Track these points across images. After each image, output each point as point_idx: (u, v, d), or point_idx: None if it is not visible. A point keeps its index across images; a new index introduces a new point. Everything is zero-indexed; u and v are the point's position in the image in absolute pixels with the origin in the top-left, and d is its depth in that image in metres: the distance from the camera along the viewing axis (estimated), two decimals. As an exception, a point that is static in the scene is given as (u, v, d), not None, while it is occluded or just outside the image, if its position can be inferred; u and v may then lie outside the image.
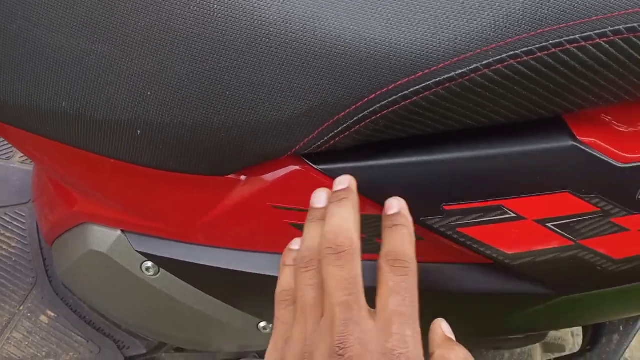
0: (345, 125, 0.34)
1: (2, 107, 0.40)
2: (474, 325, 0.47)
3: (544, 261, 0.37)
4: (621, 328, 0.67)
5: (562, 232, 0.36)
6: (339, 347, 0.28)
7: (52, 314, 0.70)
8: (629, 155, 0.35)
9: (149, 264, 0.50)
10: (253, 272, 0.46)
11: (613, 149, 0.35)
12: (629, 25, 0.31)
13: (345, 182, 0.35)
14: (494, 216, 0.36)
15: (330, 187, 0.37)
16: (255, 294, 0.50)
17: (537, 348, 0.77)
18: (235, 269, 0.46)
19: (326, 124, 0.34)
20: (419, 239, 0.39)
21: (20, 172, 0.83)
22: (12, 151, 0.86)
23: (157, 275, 0.51)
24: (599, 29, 0.31)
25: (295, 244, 0.36)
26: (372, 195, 0.37)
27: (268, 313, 0.53)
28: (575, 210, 0.36)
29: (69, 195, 0.53)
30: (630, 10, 0.31)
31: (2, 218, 0.78)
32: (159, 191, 0.43)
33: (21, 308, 0.71)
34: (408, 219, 0.34)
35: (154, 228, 0.48)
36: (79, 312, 0.71)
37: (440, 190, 0.36)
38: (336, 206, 0.33)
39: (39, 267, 0.74)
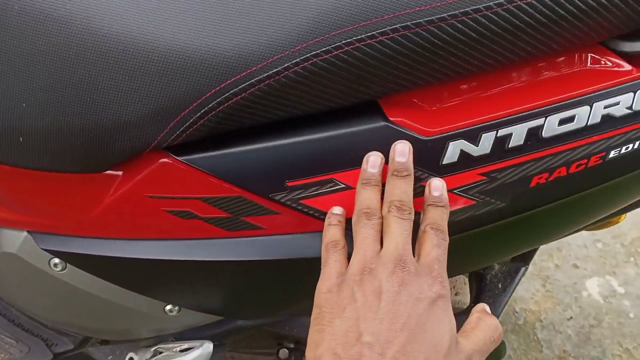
0: (191, 121, 0.40)
1: None
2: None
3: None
4: (500, 285, 0.76)
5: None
6: (402, 260, 0.39)
7: (-19, 320, 0.75)
8: (431, 129, 0.43)
9: (56, 260, 0.55)
10: (148, 258, 0.52)
11: (418, 125, 0.43)
12: (415, 21, 0.39)
13: (405, 153, 0.42)
14: (328, 188, 0.44)
15: (191, 176, 0.44)
16: (156, 279, 0.56)
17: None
18: (132, 256, 0.52)
19: (174, 120, 0.40)
20: (274, 213, 0.46)
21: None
22: None
23: (65, 270, 0.56)
24: (389, 26, 0.38)
25: (337, 209, 0.44)
26: (229, 179, 0.44)
27: (171, 296, 0.60)
28: (392, 178, 0.43)
29: (-23, 204, 0.58)
30: (413, 10, 0.39)
31: None
32: (50, 191, 0.49)
33: (-50, 317, 0.75)
34: (447, 200, 0.43)
35: (55, 226, 0.53)
36: (7, 315, 0.75)
37: (283, 169, 0.43)
38: (401, 181, 0.42)
39: (-35, 277, 0.78)
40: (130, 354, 0.69)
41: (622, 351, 1.24)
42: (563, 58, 0.45)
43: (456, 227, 0.45)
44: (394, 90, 0.42)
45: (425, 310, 0.38)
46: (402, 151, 0.42)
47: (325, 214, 0.45)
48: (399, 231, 0.40)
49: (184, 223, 0.48)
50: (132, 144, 0.41)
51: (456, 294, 0.86)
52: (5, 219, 0.56)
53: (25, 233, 0.55)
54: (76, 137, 0.41)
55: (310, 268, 0.50)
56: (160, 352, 0.67)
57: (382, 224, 0.42)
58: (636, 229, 1.49)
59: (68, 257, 0.55)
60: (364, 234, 0.41)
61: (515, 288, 0.76)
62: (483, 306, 0.44)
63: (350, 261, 0.41)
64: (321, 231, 0.47)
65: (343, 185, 0.43)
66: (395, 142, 0.42)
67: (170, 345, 0.66)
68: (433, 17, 0.38)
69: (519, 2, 0.39)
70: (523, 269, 0.78)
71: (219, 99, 0.39)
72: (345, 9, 0.38)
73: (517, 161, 0.43)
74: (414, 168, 0.43)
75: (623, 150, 0.45)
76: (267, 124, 0.43)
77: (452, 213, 0.44)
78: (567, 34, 0.41)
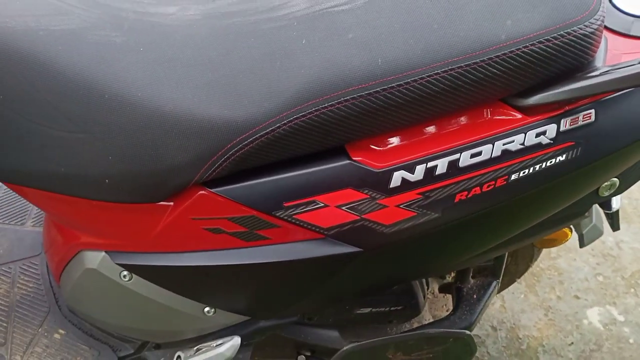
0: (217, 164, 0.61)
1: (21, 174, 0.68)
2: (326, 286, 0.72)
3: (346, 230, 0.64)
4: (475, 296, 0.92)
5: (351, 211, 0.63)
6: None
7: (63, 332, 0.95)
8: (381, 164, 0.62)
9: (125, 272, 0.76)
10: (190, 265, 0.72)
11: (372, 162, 0.63)
12: (368, 91, 0.59)
13: None
14: (312, 206, 0.63)
15: (220, 202, 0.64)
16: (196, 283, 0.76)
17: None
18: (179, 264, 0.72)
19: (207, 164, 0.61)
20: (276, 226, 0.66)
21: (32, 233, 1.10)
22: (24, 219, 1.13)
23: (131, 280, 0.77)
24: (350, 96, 0.58)
25: None
26: (245, 203, 0.64)
27: (208, 298, 0.79)
28: (356, 198, 0.63)
29: (69, 234, 0.80)
30: (367, 84, 0.59)
31: (21, 268, 1.04)
32: (122, 218, 0.70)
33: (39, 330, 0.96)
34: None
35: (124, 245, 0.74)
36: (82, 328, 0.96)
37: (281, 194, 0.63)
38: None
39: (51, 299, 0.99)
40: (178, 353, 0.88)
41: (622, 374, 1.35)
42: (473, 112, 0.64)
43: (404, 233, 0.64)
44: (356, 138, 0.62)
45: None
46: None
47: (311, 225, 0.64)
48: None
49: (216, 237, 0.68)
50: (179, 182, 0.62)
51: (447, 311, 1.02)
52: (88, 242, 0.77)
53: (103, 253, 0.76)
54: (143, 179, 0.62)
55: (305, 268, 0.69)
56: (200, 350, 0.85)
57: None
58: (636, 263, 1.60)
59: (134, 269, 0.75)
60: None
61: (488, 299, 0.92)
62: None
63: None
64: (310, 239, 0.66)
65: (322, 204, 0.63)
66: None
67: (208, 343, 0.85)
68: (389, 85, 0.58)
69: (437, 75, 0.59)
70: (495, 282, 0.94)
71: (234, 149, 0.60)
72: (317, 84, 0.59)
73: (442, 184, 0.62)
74: (371, 190, 0.62)
75: (521, 174, 0.63)
76: (268, 164, 0.63)
77: (399, 223, 0.63)
78: (475, 95, 0.61)
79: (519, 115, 0.63)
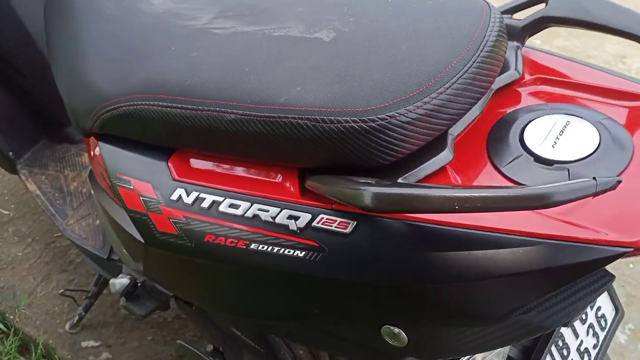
0: (95, 119, 0.75)
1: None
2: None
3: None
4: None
5: (144, 204, 0.69)
6: None
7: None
8: (179, 177, 0.66)
9: None
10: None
11: (175, 170, 0.67)
12: None
13: None
14: (126, 185, 0.71)
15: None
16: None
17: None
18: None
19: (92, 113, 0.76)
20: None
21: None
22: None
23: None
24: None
25: None
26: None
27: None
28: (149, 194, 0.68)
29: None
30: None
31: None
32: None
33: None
34: None
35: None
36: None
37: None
38: None
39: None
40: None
41: None
42: (267, 168, 0.60)
43: (168, 248, 0.67)
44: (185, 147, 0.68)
45: None
46: None
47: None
48: None
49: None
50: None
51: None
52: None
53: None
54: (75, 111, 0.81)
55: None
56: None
57: None
58: None
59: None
60: None
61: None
62: None
63: None
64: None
65: (132, 188, 0.70)
66: None
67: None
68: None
69: (222, 112, 0.59)
70: None
71: (103, 110, 0.73)
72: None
73: (200, 217, 0.62)
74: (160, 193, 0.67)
75: (259, 248, 0.57)
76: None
77: (166, 234, 0.66)
78: (256, 148, 0.59)
79: (293, 190, 0.57)
